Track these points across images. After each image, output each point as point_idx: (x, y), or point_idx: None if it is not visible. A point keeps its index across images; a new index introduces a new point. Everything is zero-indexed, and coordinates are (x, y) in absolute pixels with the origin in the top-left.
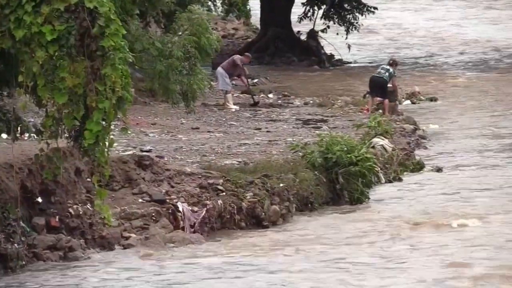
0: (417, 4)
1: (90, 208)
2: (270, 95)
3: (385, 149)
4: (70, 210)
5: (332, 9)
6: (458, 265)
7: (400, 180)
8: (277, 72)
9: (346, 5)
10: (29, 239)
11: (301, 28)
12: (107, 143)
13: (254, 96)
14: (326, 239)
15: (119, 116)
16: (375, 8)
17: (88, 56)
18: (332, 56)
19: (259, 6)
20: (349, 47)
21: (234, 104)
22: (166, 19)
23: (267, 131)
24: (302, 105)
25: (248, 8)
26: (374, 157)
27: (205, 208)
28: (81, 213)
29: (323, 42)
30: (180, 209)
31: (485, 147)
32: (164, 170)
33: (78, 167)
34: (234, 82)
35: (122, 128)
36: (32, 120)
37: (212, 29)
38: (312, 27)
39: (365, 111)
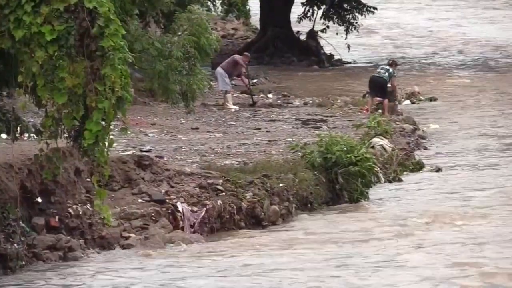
0: (417, 4)
1: (89, 208)
2: (270, 95)
3: (384, 149)
4: (70, 210)
5: (331, 9)
6: (463, 263)
7: (399, 180)
8: (276, 72)
9: (345, 5)
10: (28, 239)
11: (300, 28)
12: (106, 143)
13: (253, 96)
14: (328, 238)
15: (118, 116)
16: (375, 8)
17: (87, 56)
18: (331, 56)
19: (259, 6)
20: (348, 47)
21: (234, 104)
22: (166, 19)
23: (267, 131)
24: (302, 105)
25: (247, 8)
26: (374, 157)
27: (205, 208)
28: (80, 213)
29: (322, 42)
30: (180, 209)
31: (485, 147)
32: (163, 170)
33: (78, 167)
34: (233, 82)
35: (121, 128)
36: (32, 120)
37: (211, 29)
38: (311, 27)
39: (364, 111)
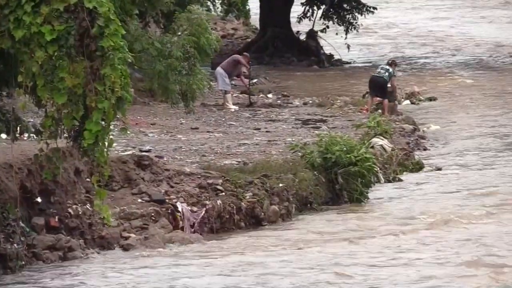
0: (416, 3)
1: (89, 208)
2: (270, 95)
3: (384, 149)
4: (70, 210)
5: (331, 9)
6: (471, 262)
7: (399, 180)
8: (276, 72)
9: (345, 5)
10: (28, 239)
11: (300, 28)
12: (106, 143)
13: (251, 97)
14: (329, 238)
15: (118, 116)
16: (374, 8)
17: (87, 56)
18: (331, 56)
19: (259, 6)
20: (348, 47)
21: (234, 104)
22: (166, 19)
23: (267, 131)
24: (302, 105)
25: (247, 8)
26: (374, 157)
27: (205, 208)
28: (80, 213)
29: (322, 42)
30: (180, 209)
31: (485, 147)
32: (163, 170)
33: (78, 167)
34: (233, 82)
35: (121, 128)
36: (32, 120)
37: (211, 29)
38: (311, 27)
39: (364, 111)
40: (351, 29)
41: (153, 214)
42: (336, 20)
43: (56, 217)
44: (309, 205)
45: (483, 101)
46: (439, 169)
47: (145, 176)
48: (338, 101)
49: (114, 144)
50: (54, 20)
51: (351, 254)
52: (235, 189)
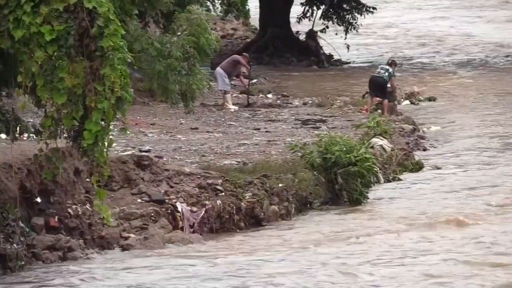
0: (415, 3)
1: (89, 208)
2: (269, 95)
3: (384, 149)
4: (69, 210)
5: (331, 9)
6: (475, 262)
7: (399, 180)
8: (276, 72)
9: (345, 5)
10: (28, 239)
11: (300, 28)
12: (106, 143)
13: (250, 97)
14: (329, 238)
15: (118, 116)
16: (374, 8)
17: (87, 56)
18: (331, 56)
19: (258, 6)
20: (348, 47)
21: (233, 104)
22: (165, 19)
23: (266, 131)
24: (301, 105)
25: (247, 8)
26: (373, 157)
27: (204, 208)
28: (80, 213)
29: (322, 42)
30: (179, 209)
31: (485, 146)
32: (163, 170)
33: (77, 167)
34: (233, 82)
35: (121, 128)
36: (31, 120)
37: (211, 29)
38: (311, 27)
39: (364, 111)
40: (350, 29)
41: (152, 214)
42: (335, 20)
43: (56, 217)
44: (308, 205)
45: (483, 101)
46: (439, 168)
47: (144, 176)
48: (338, 101)
49: (114, 144)
50: (54, 20)
51: (352, 254)
52: (234, 189)
